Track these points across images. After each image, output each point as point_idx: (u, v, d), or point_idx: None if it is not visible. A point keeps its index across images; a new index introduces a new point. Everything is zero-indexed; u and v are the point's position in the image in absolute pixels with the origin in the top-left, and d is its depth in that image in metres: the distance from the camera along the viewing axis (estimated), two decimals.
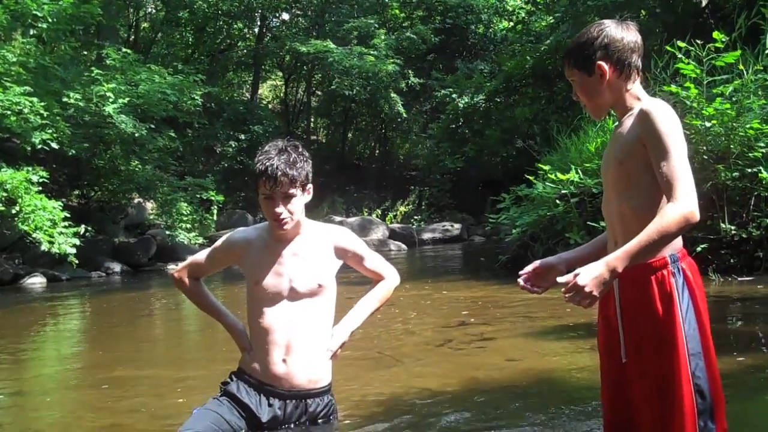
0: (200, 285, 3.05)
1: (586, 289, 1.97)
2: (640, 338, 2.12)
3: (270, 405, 2.73)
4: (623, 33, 2.18)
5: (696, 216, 1.99)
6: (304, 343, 2.77)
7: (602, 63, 2.16)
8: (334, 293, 2.89)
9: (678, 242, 2.14)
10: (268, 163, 2.68)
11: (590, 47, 2.17)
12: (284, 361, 2.74)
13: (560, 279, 2.05)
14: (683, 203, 1.98)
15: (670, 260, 2.10)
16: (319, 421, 2.80)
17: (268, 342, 2.76)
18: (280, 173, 2.67)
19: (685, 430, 2.03)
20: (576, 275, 2.00)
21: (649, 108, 2.09)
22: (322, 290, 2.82)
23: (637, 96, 2.20)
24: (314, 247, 2.84)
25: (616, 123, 2.33)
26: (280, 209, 2.69)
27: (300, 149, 2.80)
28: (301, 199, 2.75)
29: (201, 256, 3.04)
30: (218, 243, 2.98)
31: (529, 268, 2.43)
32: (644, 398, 2.12)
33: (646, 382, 2.11)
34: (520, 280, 2.42)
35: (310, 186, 2.80)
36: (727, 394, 2.16)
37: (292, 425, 2.76)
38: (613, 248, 2.22)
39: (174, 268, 15.38)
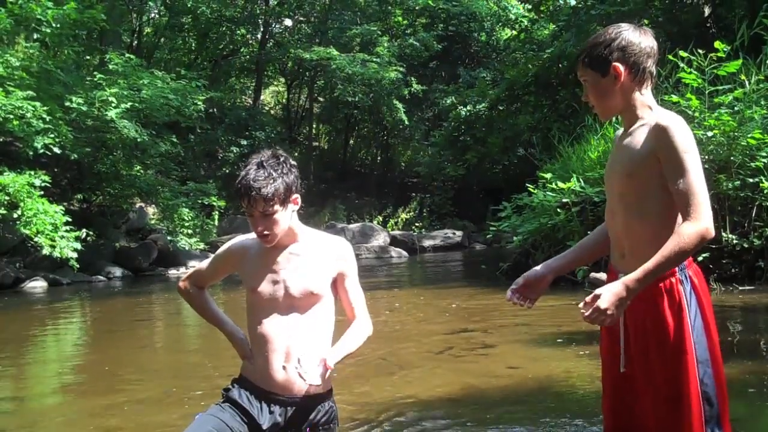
0: (203, 294, 3.03)
1: (608, 312, 2.00)
2: (648, 346, 2.12)
3: (271, 412, 2.73)
4: (641, 37, 2.16)
5: (711, 233, 2.00)
6: (304, 350, 2.76)
7: (618, 65, 2.14)
8: (332, 305, 2.87)
9: None
10: (243, 182, 2.63)
11: (607, 48, 2.15)
12: (284, 368, 2.73)
13: (581, 305, 2.05)
14: (700, 222, 1.99)
15: (677, 268, 2.10)
16: (320, 428, 2.79)
17: (267, 349, 2.75)
18: (254, 192, 2.61)
19: None
20: (596, 297, 2.01)
21: (666, 123, 2.07)
22: (318, 298, 2.79)
23: (648, 105, 2.17)
24: (311, 254, 2.82)
25: (620, 131, 2.31)
26: (261, 227, 2.67)
27: (281, 161, 2.71)
28: (283, 213, 2.69)
29: (203, 264, 3.03)
30: (219, 251, 2.97)
31: (519, 281, 2.41)
32: (651, 405, 2.12)
33: (654, 389, 2.10)
34: (509, 293, 2.40)
35: (295, 196, 2.73)
36: (729, 401, 2.16)
37: None
38: (618, 258, 2.23)
39: (175, 273, 15.32)
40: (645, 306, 2.12)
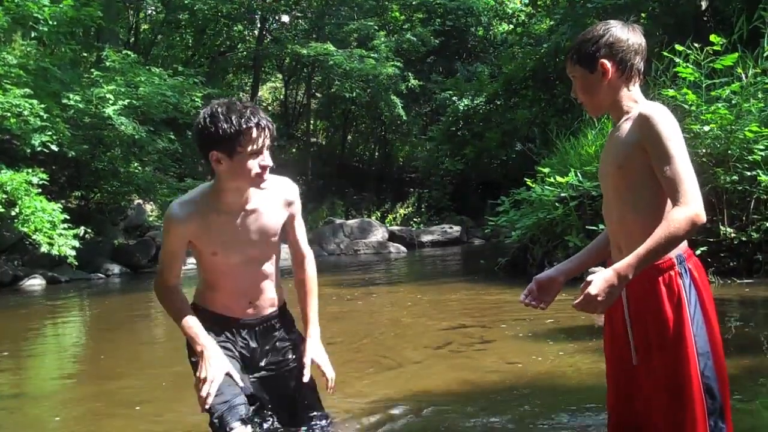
0: (181, 291, 2.83)
1: (599, 299, 1.98)
2: (649, 340, 2.12)
3: (243, 337, 2.84)
4: (629, 34, 2.18)
5: (702, 218, 1.99)
6: (266, 287, 2.86)
7: (605, 61, 2.16)
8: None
9: (684, 242, 2.13)
10: (253, 118, 2.57)
11: (594, 45, 2.17)
12: (250, 303, 2.84)
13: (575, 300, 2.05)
14: (689, 206, 1.99)
15: (676, 261, 2.10)
16: (287, 335, 2.95)
17: (230, 294, 2.82)
18: (266, 122, 2.61)
19: (697, 431, 2.02)
20: (587, 284, 2.00)
21: (648, 112, 2.09)
22: (275, 246, 2.87)
23: (635, 99, 2.20)
24: (266, 208, 2.81)
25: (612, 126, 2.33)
26: (269, 160, 2.65)
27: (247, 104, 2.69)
28: None
29: (169, 249, 2.78)
30: (172, 226, 2.72)
31: (531, 284, 2.43)
32: (653, 400, 2.12)
33: (656, 383, 2.10)
34: (522, 297, 2.42)
35: None
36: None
37: (267, 349, 2.90)
38: (617, 252, 2.23)
39: None
40: (644, 299, 2.12)
